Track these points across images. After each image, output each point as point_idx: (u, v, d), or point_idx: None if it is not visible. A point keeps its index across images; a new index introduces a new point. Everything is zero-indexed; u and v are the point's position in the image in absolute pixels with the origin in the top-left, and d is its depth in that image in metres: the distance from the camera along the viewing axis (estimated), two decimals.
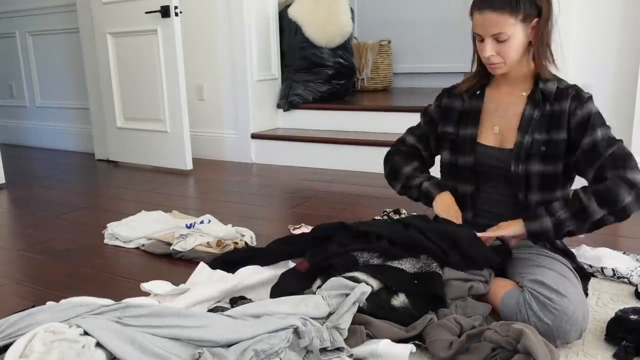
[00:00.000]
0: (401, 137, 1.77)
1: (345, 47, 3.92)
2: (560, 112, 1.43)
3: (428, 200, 1.61)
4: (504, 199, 1.53)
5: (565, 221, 1.38)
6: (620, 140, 1.41)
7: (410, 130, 1.76)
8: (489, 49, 1.40)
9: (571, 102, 1.42)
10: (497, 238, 1.47)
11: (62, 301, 1.43)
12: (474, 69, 1.57)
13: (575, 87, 1.46)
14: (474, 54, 1.53)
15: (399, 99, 4.18)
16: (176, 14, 3.23)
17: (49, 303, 1.48)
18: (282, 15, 3.83)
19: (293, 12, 3.79)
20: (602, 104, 2.57)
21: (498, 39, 1.38)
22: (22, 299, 1.69)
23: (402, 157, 1.72)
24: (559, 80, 1.49)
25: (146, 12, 3.31)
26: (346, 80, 3.97)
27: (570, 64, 2.61)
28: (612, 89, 2.57)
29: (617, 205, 1.34)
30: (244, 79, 3.61)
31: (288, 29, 3.82)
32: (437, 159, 1.72)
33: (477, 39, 1.44)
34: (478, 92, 1.56)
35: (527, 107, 1.47)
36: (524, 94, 1.49)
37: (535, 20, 1.39)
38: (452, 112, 1.60)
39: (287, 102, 3.78)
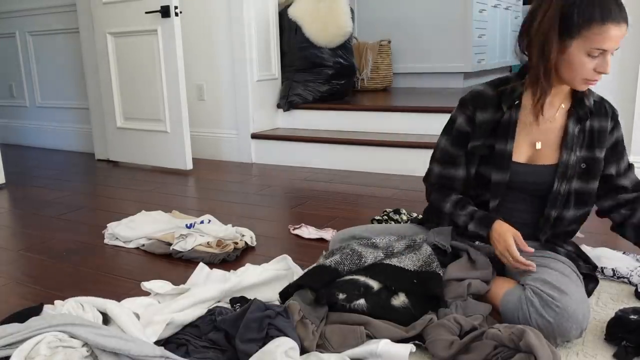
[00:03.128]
0: (428, 168, 1.59)
1: (345, 47, 3.92)
2: (601, 130, 1.42)
3: (482, 239, 1.47)
4: (526, 213, 1.48)
5: None
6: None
7: (434, 159, 1.57)
8: (610, 65, 1.28)
9: (610, 121, 1.44)
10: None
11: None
12: (540, 86, 1.35)
13: (608, 103, 1.45)
14: (546, 67, 1.32)
15: (399, 99, 4.18)
16: (176, 14, 3.23)
17: (45, 306, 1.48)
18: (282, 15, 3.83)
19: (293, 12, 3.79)
20: None
21: (612, 54, 1.29)
22: (23, 299, 1.69)
23: (437, 193, 1.55)
24: (590, 91, 1.43)
25: (146, 12, 3.31)
26: (346, 80, 3.98)
27: None
28: (612, 89, 2.56)
29: None
30: (244, 79, 3.61)
31: (288, 29, 3.82)
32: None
33: (592, 53, 1.27)
34: (517, 102, 1.43)
35: (570, 122, 1.40)
36: (563, 106, 1.43)
37: None
38: (486, 125, 1.44)
39: (287, 102, 3.78)
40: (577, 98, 1.42)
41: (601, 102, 1.45)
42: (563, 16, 1.27)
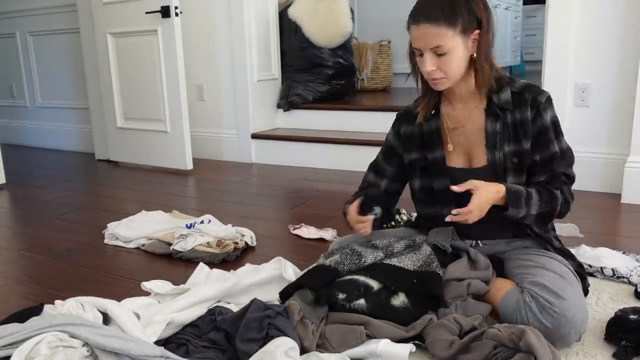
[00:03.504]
0: (364, 175, 1.69)
1: (345, 47, 3.92)
2: (523, 121, 1.40)
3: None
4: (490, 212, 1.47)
5: (529, 217, 1.39)
6: (571, 155, 1.45)
7: (370, 167, 1.69)
8: (429, 64, 1.33)
9: (530, 109, 1.39)
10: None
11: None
12: (421, 91, 1.49)
13: (531, 90, 1.41)
14: (415, 72, 1.45)
15: (399, 99, 4.18)
16: (176, 14, 3.23)
17: (46, 306, 1.48)
18: (282, 15, 3.83)
19: (293, 12, 3.79)
20: (602, 104, 2.59)
21: (437, 53, 1.32)
22: (23, 299, 1.69)
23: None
24: (512, 81, 1.43)
25: (146, 12, 3.31)
26: (346, 80, 3.98)
27: (570, 64, 2.61)
28: (612, 89, 2.57)
29: (554, 218, 1.44)
30: (244, 79, 3.61)
31: (288, 29, 3.83)
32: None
33: (417, 53, 1.37)
34: (433, 112, 1.49)
35: (488, 122, 1.41)
36: (480, 107, 1.43)
37: (476, 32, 1.34)
38: (413, 139, 1.52)
39: (287, 102, 3.78)
40: (489, 96, 1.42)
41: (521, 92, 1.40)
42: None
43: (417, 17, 1.33)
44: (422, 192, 1.53)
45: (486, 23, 1.35)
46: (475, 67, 1.38)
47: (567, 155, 1.44)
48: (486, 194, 1.33)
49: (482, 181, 1.35)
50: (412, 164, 1.54)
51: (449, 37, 1.31)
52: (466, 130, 1.45)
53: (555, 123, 1.42)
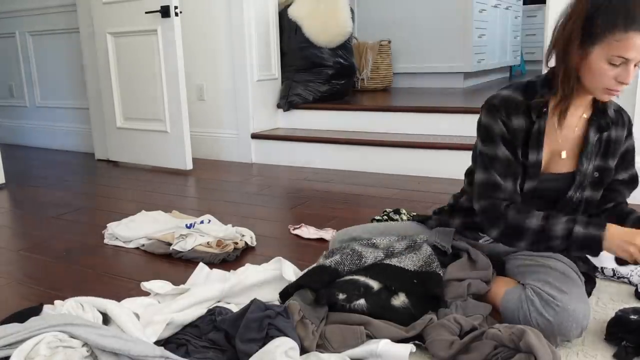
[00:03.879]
0: (491, 183, 1.38)
1: (345, 47, 3.92)
2: (617, 140, 1.41)
3: (595, 244, 1.28)
4: None
5: None
6: None
7: (485, 170, 1.40)
8: (632, 75, 1.23)
9: (626, 130, 1.43)
10: None
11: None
12: (561, 92, 1.32)
13: (626, 113, 1.45)
14: (566, 74, 1.29)
15: (399, 99, 4.18)
16: (176, 14, 3.23)
17: (45, 307, 1.48)
18: (282, 15, 3.83)
19: (293, 12, 3.79)
20: None
21: (636, 64, 1.22)
22: (23, 299, 1.69)
23: (515, 211, 1.35)
24: (611, 101, 1.39)
25: (146, 12, 3.31)
26: (346, 80, 3.98)
27: None
28: None
29: None
30: (244, 79, 3.61)
31: (288, 29, 3.82)
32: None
33: (614, 61, 1.21)
34: (545, 110, 1.37)
35: (591, 132, 1.37)
36: (585, 115, 1.39)
37: None
38: (519, 133, 1.37)
39: (287, 102, 3.78)
40: (598, 108, 1.37)
41: (619, 112, 1.43)
42: (587, 20, 1.22)
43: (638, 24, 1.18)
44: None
45: None
46: None
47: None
48: None
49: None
50: (518, 159, 1.39)
51: None
52: (565, 135, 1.38)
53: (634, 148, 1.47)
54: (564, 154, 1.38)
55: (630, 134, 1.44)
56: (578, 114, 1.38)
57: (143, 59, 3.46)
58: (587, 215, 1.43)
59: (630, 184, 1.47)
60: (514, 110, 1.35)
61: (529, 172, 1.38)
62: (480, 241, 1.56)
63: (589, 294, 1.47)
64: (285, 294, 1.44)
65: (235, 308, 1.45)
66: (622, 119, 1.42)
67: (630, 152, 1.45)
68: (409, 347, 1.23)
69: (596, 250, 1.28)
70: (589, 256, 1.51)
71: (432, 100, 3.92)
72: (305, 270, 1.52)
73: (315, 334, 1.29)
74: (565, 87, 1.30)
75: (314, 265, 1.51)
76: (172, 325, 1.36)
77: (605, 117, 1.38)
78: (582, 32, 1.23)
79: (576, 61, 1.26)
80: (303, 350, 1.25)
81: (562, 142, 1.38)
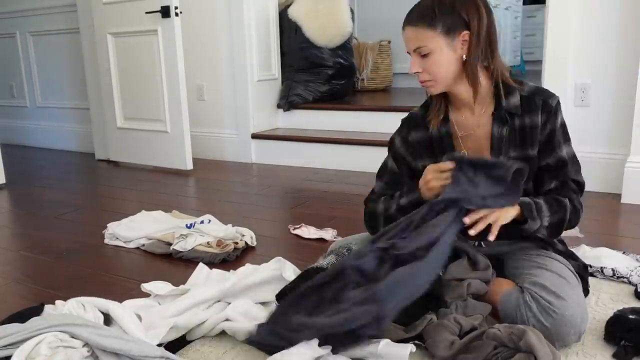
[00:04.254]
0: (373, 188, 1.60)
1: (345, 47, 3.92)
2: (532, 126, 1.37)
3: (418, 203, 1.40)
4: None
5: (542, 229, 1.35)
6: (578, 161, 1.42)
7: (378, 177, 1.59)
8: (414, 65, 1.37)
9: (541, 114, 1.37)
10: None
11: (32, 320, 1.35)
12: (428, 97, 1.49)
13: (541, 94, 1.38)
14: None
15: (399, 99, 4.18)
16: (176, 14, 3.23)
17: (46, 306, 1.48)
18: (282, 15, 3.83)
19: (293, 12, 3.79)
20: (602, 103, 2.59)
21: (420, 54, 1.34)
22: (23, 299, 1.69)
23: (374, 203, 1.54)
24: (521, 85, 1.39)
25: (146, 12, 3.31)
26: (346, 80, 3.98)
27: (570, 64, 2.61)
28: (612, 89, 2.57)
29: (565, 227, 1.39)
30: (244, 79, 3.61)
31: (288, 29, 3.83)
32: None
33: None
34: (442, 117, 1.46)
35: (494, 126, 1.39)
36: (488, 111, 1.40)
37: (465, 33, 1.31)
38: (422, 145, 1.48)
39: (287, 102, 3.78)
40: (497, 100, 1.39)
41: (531, 97, 1.38)
42: None
43: (403, 23, 1.39)
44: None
45: (476, 24, 1.32)
46: (467, 70, 1.35)
47: (575, 161, 1.41)
48: (503, 212, 1.29)
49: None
50: (421, 170, 1.44)
51: (429, 38, 1.31)
52: (476, 136, 1.42)
53: (564, 127, 1.40)
54: (464, 153, 1.42)
55: (550, 117, 1.37)
56: (477, 112, 1.41)
57: (143, 59, 3.46)
58: None
59: (558, 169, 1.38)
60: (413, 125, 1.51)
61: None
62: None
63: (585, 291, 1.47)
64: (281, 296, 1.44)
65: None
66: (533, 103, 1.37)
67: (552, 136, 1.37)
68: (409, 347, 1.23)
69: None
70: (577, 255, 1.54)
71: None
72: (301, 273, 1.52)
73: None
74: (429, 95, 1.47)
75: (310, 266, 1.52)
76: (175, 329, 1.36)
77: (502, 108, 1.37)
78: None
79: None
80: None
81: (473, 143, 1.43)
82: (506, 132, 1.38)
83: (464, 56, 1.33)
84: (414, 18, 1.35)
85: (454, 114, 1.46)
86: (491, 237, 1.27)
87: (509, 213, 1.30)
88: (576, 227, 2.03)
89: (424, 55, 1.34)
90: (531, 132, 1.38)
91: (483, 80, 1.38)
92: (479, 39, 1.32)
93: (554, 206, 1.36)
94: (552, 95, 1.40)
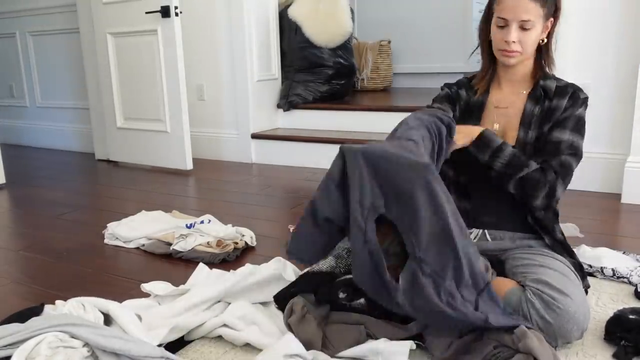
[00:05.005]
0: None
1: (345, 47, 3.92)
2: (556, 108, 1.46)
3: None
4: (502, 195, 1.50)
5: (503, 155, 1.39)
6: (579, 156, 1.43)
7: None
8: (514, 35, 1.39)
9: (568, 100, 1.45)
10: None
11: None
12: (482, 65, 1.57)
13: (574, 86, 1.49)
14: (483, 44, 1.53)
15: (399, 99, 4.18)
16: (176, 14, 3.23)
17: (46, 307, 1.48)
18: (282, 15, 3.83)
19: (293, 12, 3.79)
20: (602, 103, 2.59)
21: (524, 27, 1.39)
22: (23, 299, 1.69)
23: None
24: (558, 79, 1.51)
25: (146, 12, 3.31)
26: (346, 80, 3.98)
27: (569, 63, 2.61)
28: (611, 89, 2.57)
29: (528, 196, 1.41)
30: (244, 79, 3.61)
31: (288, 29, 3.83)
32: None
33: (499, 23, 1.41)
34: (486, 88, 1.57)
35: (528, 103, 1.49)
36: (525, 92, 1.51)
37: (551, 20, 1.43)
38: (460, 102, 1.60)
39: (287, 102, 3.78)
40: (535, 82, 1.49)
41: (565, 87, 1.48)
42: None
43: None
44: (451, 158, 1.53)
45: (559, 15, 1.43)
46: (541, 52, 1.46)
47: (572, 153, 1.42)
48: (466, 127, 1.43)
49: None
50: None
51: (538, 15, 1.38)
52: (508, 112, 1.51)
53: (581, 119, 1.45)
54: (496, 126, 1.51)
55: (574, 104, 1.44)
56: (516, 91, 1.52)
57: (143, 59, 3.46)
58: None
59: (550, 150, 1.42)
60: (461, 85, 1.62)
61: None
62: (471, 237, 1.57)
63: (585, 287, 1.47)
64: (279, 298, 1.44)
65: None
66: (565, 91, 1.47)
67: (568, 119, 1.43)
68: (409, 344, 1.24)
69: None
70: (577, 254, 1.56)
71: (432, 100, 3.91)
72: (300, 275, 1.52)
73: (319, 330, 1.29)
74: (483, 59, 1.54)
75: (307, 269, 1.52)
76: (175, 329, 1.36)
77: (538, 89, 1.47)
78: (487, 9, 1.48)
79: (485, 35, 1.49)
80: (308, 346, 1.26)
81: (502, 118, 1.51)
82: (537, 111, 1.46)
83: (543, 40, 1.44)
84: None
85: (495, 87, 1.56)
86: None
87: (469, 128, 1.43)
88: (576, 227, 2.05)
89: (526, 29, 1.39)
90: (553, 112, 1.46)
91: (531, 62, 1.49)
92: (556, 26, 1.44)
93: (521, 159, 1.40)
94: (583, 92, 1.48)
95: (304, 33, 3.75)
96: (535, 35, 1.41)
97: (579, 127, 1.45)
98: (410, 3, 4.97)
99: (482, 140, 1.41)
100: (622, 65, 2.53)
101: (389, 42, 4.71)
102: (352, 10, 4.01)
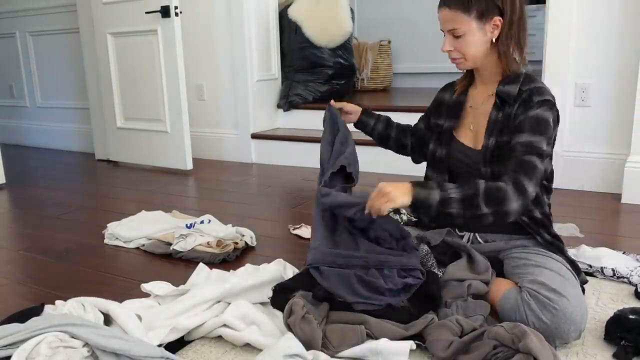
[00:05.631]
0: None
1: (345, 47, 3.92)
2: (510, 115, 1.43)
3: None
4: None
5: (452, 202, 1.31)
6: (541, 154, 1.35)
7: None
8: (446, 44, 1.46)
9: (518, 107, 1.41)
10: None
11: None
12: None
13: (530, 90, 1.40)
14: None
15: (399, 99, 4.18)
16: (176, 14, 3.23)
17: (46, 306, 1.48)
18: (282, 15, 3.83)
19: (293, 12, 3.79)
20: (602, 103, 2.59)
21: (454, 35, 1.43)
22: (23, 299, 1.69)
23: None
24: (525, 80, 1.43)
25: (146, 12, 3.31)
26: (346, 80, 3.97)
27: (570, 64, 2.61)
28: (612, 88, 2.57)
29: (502, 208, 1.30)
30: (244, 79, 3.61)
31: (288, 29, 3.82)
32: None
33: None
34: (464, 89, 1.62)
35: (493, 109, 1.48)
36: (492, 93, 1.50)
37: (497, 19, 1.40)
38: (442, 106, 1.65)
39: (287, 102, 3.78)
40: (497, 86, 1.47)
41: (523, 91, 1.41)
42: None
43: (440, 3, 1.46)
44: (430, 157, 1.64)
45: (509, 11, 1.40)
46: (498, 52, 1.45)
47: (530, 158, 1.34)
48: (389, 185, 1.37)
49: (392, 184, 1.37)
50: (433, 128, 1.66)
51: (464, 21, 1.40)
52: (479, 111, 1.53)
53: (538, 119, 1.37)
54: (471, 127, 1.55)
55: (526, 108, 1.38)
56: (487, 94, 1.52)
57: (143, 59, 3.46)
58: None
59: (505, 155, 1.39)
60: (445, 88, 1.70)
61: (440, 138, 1.60)
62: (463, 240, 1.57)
63: (582, 283, 1.47)
64: (275, 297, 1.45)
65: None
66: (520, 96, 1.42)
67: (522, 122, 1.38)
68: (409, 344, 1.24)
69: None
70: (577, 254, 1.60)
71: (432, 100, 3.91)
72: (295, 274, 1.52)
73: (319, 329, 1.29)
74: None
75: (304, 269, 1.52)
76: (176, 329, 1.36)
77: (499, 94, 1.46)
78: None
79: None
80: (308, 346, 1.26)
81: (475, 119, 1.54)
82: (500, 117, 1.46)
83: (494, 39, 1.43)
84: (449, 2, 1.42)
85: (473, 88, 1.58)
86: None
87: (399, 190, 1.35)
88: (576, 227, 2.05)
89: (457, 36, 1.43)
90: (513, 120, 1.42)
91: (497, 61, 1.47)
92: (511, 25, 1.41)
93: (465, 191, 1.32)
94: (543, 94, 1.40)
95: (304, 33, 3.74)
96: (473, 39, 1.41)
97: (537, 126, 1.36)
98: (410, 3, 4.97)
99: (419, 204, 1.34)
100: (622, 65, 2.53)
101: (389, 42, 4.71)
102: (352, 10, 4.01)
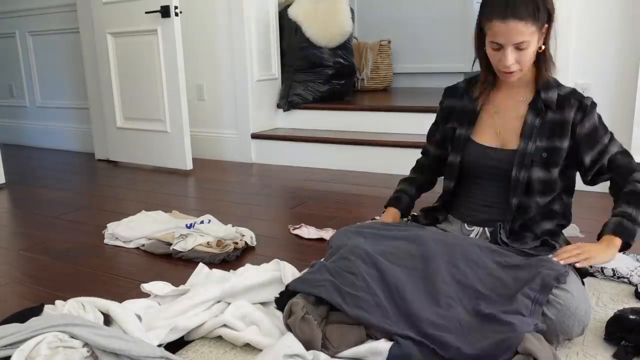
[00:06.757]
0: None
1: (345, 47, 3.92)
2: (563, 122, 1.44)
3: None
4: (491, 201, 1.53)
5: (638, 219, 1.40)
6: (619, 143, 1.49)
7: (427, 138, 1.77)
8: (511, 59, 1.36)
9: (576, 112, 1.44)
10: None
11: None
12: (480, 74, 1.54)
13: (576, 95, 1.46)
14: (481, 61, 1.51)
15: (399, 99, 4.18)
16: (176, 14, 3.23)
17: (46, 307, 1.48)
18: (282, 15, 3.83)
19: (293, 12, 3.79)
20: (602, 103, 2.57)
21: (519, 48, 1.35)
22: (23, 299, 1.69)
23: (413, 169, 1.84)
24: (559, 86, 1.48)
25: (146, 12, 3.31)
26: (346, 80, 3.98)
27: (570, 64, 2.61)
28: (611, 89, 2.57)
29: None
30: (244, 79, 3.61)
31: (288, 29, 3.82)
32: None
33: (493, 47, 1.38)
34: (487, 92, 1.56)
35: (529, 114, 1.47)
36: (524, 99, 1.49)
37: (546, 26, 1.38)
38: (453, 112, 1.61)
39: (287, 102, 3.78)
40: (537, 91, 1.47)
41: (568, 96, 1.46)
42: (479, 17, 1.42)
43: (505, 14, 1.32)
44: (448, 165, 1.60)
45: (554, 17, 1.39)
46: (539, 60, 1.42)
47: (616, 142, 1.49)
48: (597, 248, 1.40)
49: (593, 246, 1.40)
50: (447, 133, 1.62)
51: (531, 32, 1.34)
52: (508, 117, 1.50)
53: (599, 121, 1.47)
54: (498, 131, 1.51)
55: (586, 114, 1.44)
56: (517, 98, 1.50)
57: (143, 59, 3.46)
58: (542, 194, 1.48)
59: (602, 153, 1.46)
60: (452, 94, 1.63)
61: (455, 144, 1.57)
62: (472, 235, 1.57)
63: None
64: (281, 300, 1.45)
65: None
66: (569, 101, 1.44)
67: (593, 131, 1.45)
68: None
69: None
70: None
71: (432, 100, 3.91)
72: (298, 276, 1.52)
73: (319, 330, 1.29)
74: (481, 68, 1.51)
75: (305, 271, 1.52)
76: (175, 329, 1.36)
77: (540, 101, 1.46)
78: (478, 27, 1.44)
79: (479, 46, 1.48)
80: (308, 346, 1.26)
81: (502, 123, 1.51)
82: (538, 122, 1.45)
83: (542, 47, 1.40)
84: (521, 13, 1.31)
85: (494, 92, 1.54)
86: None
87: (606, 255, 1.39)
88: (576, 227, 2.05)
89: (521, 49, 1.35)
90: (562, 126, 1.44)
91: (532, 68, 1.46)
92: (551, 30, 1.40)
93: (633, 198, 1.42)
94: (586, 97, 1.47)
95: (304, 33, 3.74)
96: (533, 49, 1.37)
97: (603, 128, 1.47)
98: (410, 3, 4.97)
99: (628, 245, 1.41)
100: (622, 65, 2.53)
101: (389, 42, 4.71)
102: (352, 10, 4.01)
